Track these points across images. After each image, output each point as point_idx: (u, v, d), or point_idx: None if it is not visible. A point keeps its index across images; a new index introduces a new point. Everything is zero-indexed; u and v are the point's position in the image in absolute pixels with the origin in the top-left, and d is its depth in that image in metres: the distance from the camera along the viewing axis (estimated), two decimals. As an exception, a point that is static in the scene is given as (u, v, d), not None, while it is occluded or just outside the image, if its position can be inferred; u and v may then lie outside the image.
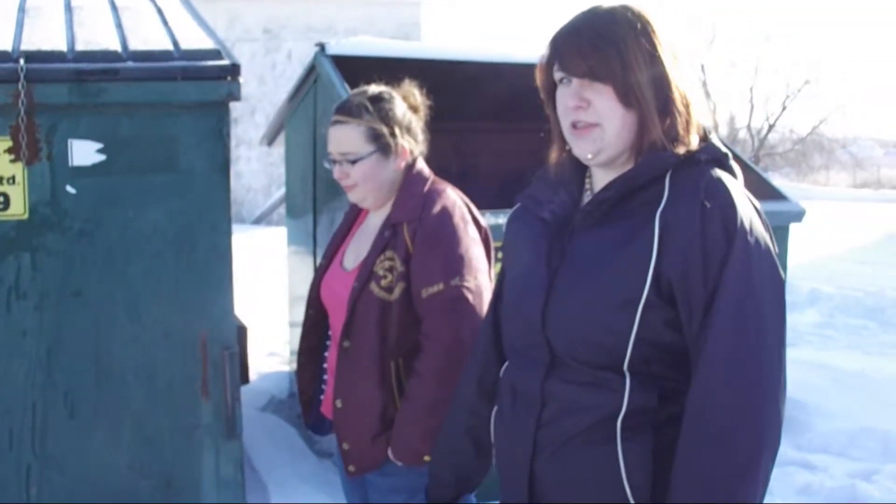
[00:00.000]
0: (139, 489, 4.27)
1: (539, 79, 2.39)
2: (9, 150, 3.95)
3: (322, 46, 6.12)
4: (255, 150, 21.87)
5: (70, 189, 4.01)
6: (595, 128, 2.24)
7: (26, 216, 4.00)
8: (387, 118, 3.36)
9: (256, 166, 22.62)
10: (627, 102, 2.21)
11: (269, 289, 11.41)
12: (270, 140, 8.63)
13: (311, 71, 6.38)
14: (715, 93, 37.61)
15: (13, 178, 3.97)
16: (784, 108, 36.72)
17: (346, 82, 5.61)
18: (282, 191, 15.46)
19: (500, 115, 7.72)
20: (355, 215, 3.65)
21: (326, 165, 3.48)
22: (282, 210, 17.50)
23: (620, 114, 2.22)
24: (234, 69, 4.05)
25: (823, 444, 6.65)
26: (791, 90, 36.59)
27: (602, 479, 2.26)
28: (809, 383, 7.29)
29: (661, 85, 2.22)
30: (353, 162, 3.33)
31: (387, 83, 3.50)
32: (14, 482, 4.15)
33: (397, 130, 3.37)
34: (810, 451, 6.55)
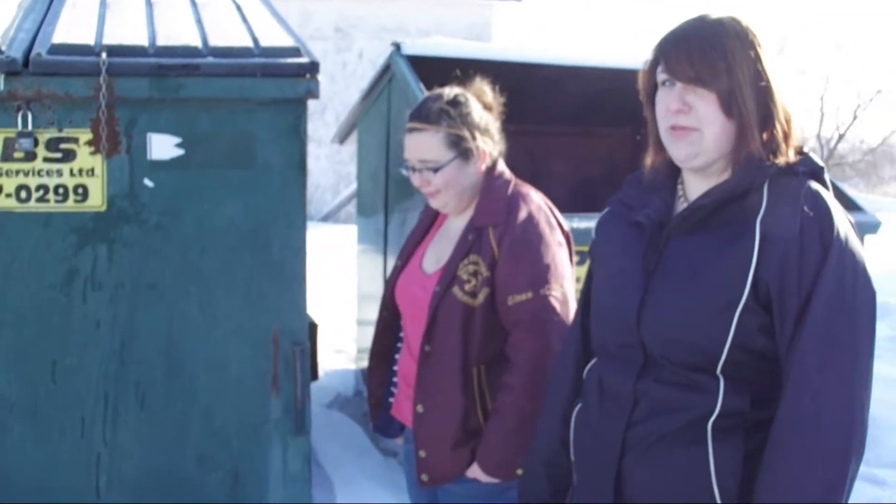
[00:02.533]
0: (206, 482, 4.30)
1: (641, 80, 2.41)
2: (89, 143, 4.00)
3: (398, 46, 6.12)
4: (324, 149, 21.95)
5: (148, 182, 4.06)
6: (693, 132, 2.25)
7: (104, 208, 4.05)
8: (465, 122, 3.29)
9: (325, 164, 22.70)
10: (729, 111, 2.23)
11: (335, 286, 11.44)
12: (342, 138, 8.66)
13: (386, 70, 6.38)
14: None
15: (92, 170, 4.02)
16: (855, 118, 36.18)
17: (421, 82, 5.61)
18: (350, 189, 15.51)
19: (574, 119, 7.69)
20: (433, 216, 3.59)
21: (403, 172, 3.41)
22: (349, 208, 17.54)
23: (721, 121, 2.24)
24: (313, 67, 4.07)
25: (893, 459, 6.55)
26: (862, 100, 36.04)
27: (691, 479, 2.27)
28: (880, 398, 7.15)
29: (764, 97, 2.25)
30: (435, 170, 3.29)
31: (458, 83, 3.46)
32: (84, 470, 4.20)
33: (476, 134, 3.29)
34: (879, 465, 6.44)
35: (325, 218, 20.34)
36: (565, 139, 7.96)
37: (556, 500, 2.76)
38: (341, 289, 10.93)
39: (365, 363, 7.02)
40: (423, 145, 3.29)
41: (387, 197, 6.56)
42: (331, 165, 22.94)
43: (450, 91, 3.38)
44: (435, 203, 3.37)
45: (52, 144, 3.98)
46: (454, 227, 3.40)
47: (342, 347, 9.12)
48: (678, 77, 2.26)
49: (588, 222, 4.86)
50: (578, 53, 7.08)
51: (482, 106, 3.39)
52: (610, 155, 7.88)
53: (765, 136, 2.26)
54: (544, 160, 7.75)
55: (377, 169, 6.88)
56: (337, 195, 21.70)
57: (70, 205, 4.02)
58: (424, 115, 3.30)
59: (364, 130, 7.58)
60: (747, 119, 2.23)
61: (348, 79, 22.07)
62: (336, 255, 13.89)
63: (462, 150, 3.26)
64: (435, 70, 5.52)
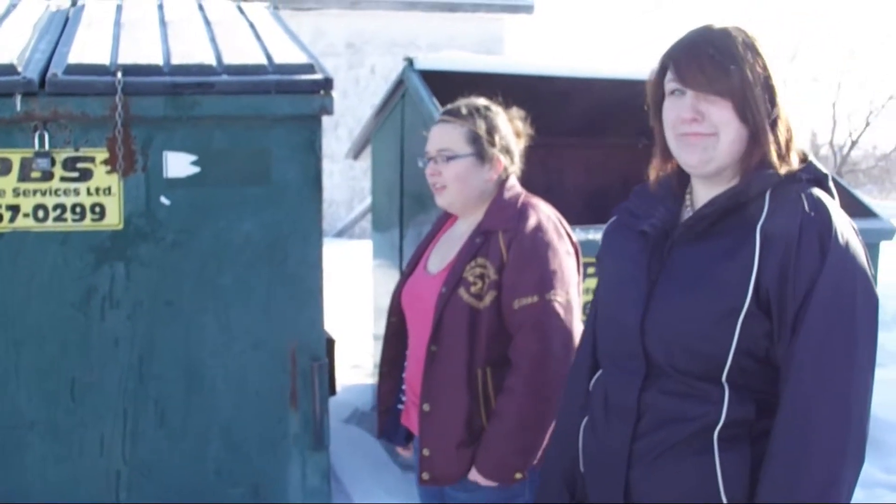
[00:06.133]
0: (226, 497, 4.31)
1: (648, 90, 2.43)
2: (105, 162, 4.03)
3: (410, 61, 6.13)
4: (337, 164, 21.95)
5: (164, 200, 4.08)
6: (709, 137, 2.27)
7: (121, 226, 4.07)
8: (490, 127, 3.41)
9: (339, 180, 22.71)
10: (744, 116, 2.25)
11: (351, 301, 11.45)
12: (356, 154, 8.68)
13: (399, 85, 6.40)
14: (796, 108, 36.68)
15: (109, 189, 4.04)
16: (867, 125, 35.99)
17: (434, 97, 5.63)
18: (364, 204, 15.53)
19: (587, 131, 7.71)
20: (440, 225, 3.67)
21: (420, 164, 3.51)
22: (363, 223, 17.56)
23: (736, 126, 2.27)
24: (328, 83, 4.09)
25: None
26: (875, 106, 35.86)
27: (699, 490, 2.29)
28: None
29: (771, 105, 2.25)
30: (449, 159, 3.36)
31: (495, 102, 3.56)
32: (104, 487, 4.22)
33: (497, 141, 3.40)
34: (899, 473, 6.43)
35: (340, 233, 20.37)
36: (578, 151, 7.98)
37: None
38: (356, 304, 10.93)
39: (382, 378, 7.03)
40: (445, 135, 3.42)
41: (402, 211, 6.58)
42: (344, 181, 22.96)
43: (484, 100, 3.49)
44: (441, 199, 3.45)
45: (68, 164, 4.01)
46: (459, 231, 3.49)
47: (358, 363, 9.12)
48: (690, 85, 2.28)
49: (598, 233, 4.88)
50: (590, 65, 7.09)
51: (511, 128, 3.48)
52: (623, 166, 7.88)
53: (772, 143, 2.28)
54: (558, 172, 7.77)
55: (392, 184, 6.90)
56: (351, 211, 21.72)
57: (87, 223, 4.04)
58: (455, 110, 3.46)
59: (378, 145, 7.60)
60: (760, 124, 2.26)
61: (361, 94, 22.10)
62: (351, 270, 13.89)
63: (480, 149, 3.37)
64: (448, 84, 5.54)
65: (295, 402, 4.26)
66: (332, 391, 4.39)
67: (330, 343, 4.36)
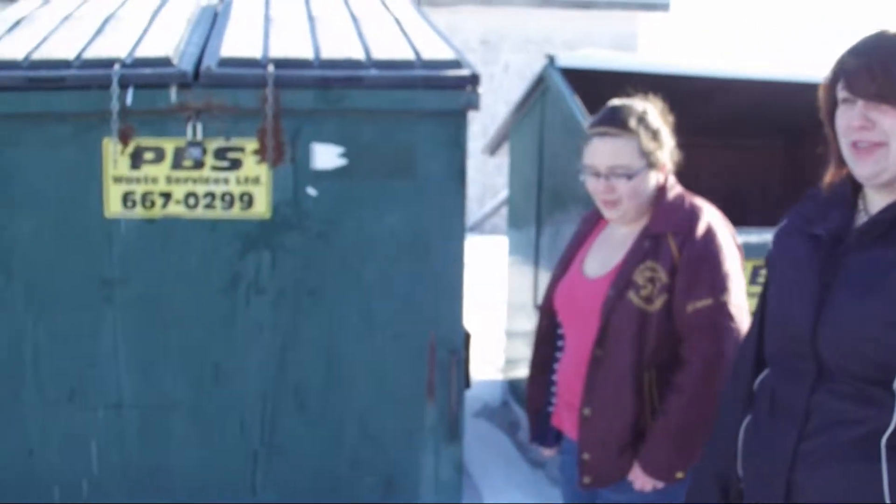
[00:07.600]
0: (360, 485, 4.39)
1: (821, 98, 2.39)
2: (255, 152, 4.13)
3: (552, 59, 6.14)
4: (470, 160, 21.98)
5: (311, 191, 4.16)
6: (880, 147, 2.23)
7: (269, 216, 4.16)
8: (656, 134, 3.32)
9: (471, 175, 22.68)
10: None
11: (482, 295, 11.48)
12: (493, 150, 8.70)
13: (539, 82, 6.41)
14: None
15: (258, 178, 4.14)
16: None
17: (575, 95, 5.63)
18: (496, 200, 15.52)
19: (724, 132, 7.61)
20: (591, 227, 3.62)
21: (582, 179, 3.43)
22: (494, 219, 17.57)
23: None
24: (474, 79, 4.14)
25: None
26: None
27: (863, 496, 2.24)
28: None
29: None
30: (629, 177, 3.28)
31: (638, 98, 3.48)
32: (241, 467, 4.34)
33: (664, 146, 3.36)
34: None
35: (472, 229, 20.41)
36: (715, 152, 7.87)
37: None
38: (488, 298, 10.96)
39: (513, 374, 7.04)
40: (618, 151, 3.28)
41: (539, 209, 6.58)
42: (477, 177, 22.98)
43: (639, 102, 3.40)
44: (612, 212, 3.35)
45: (219, 153, 4.12)
46: (618, 233, 3.40)
47: (489, 357, 9.16)
48: (859, 94, 2.23)
49: (739, 237, 4.83)
50: (731, 65, 6.99)
51: (663, 122, 3.41)
52: (761, 169, 7.78)
53: None
54: (693, 173, 7.68)
55: (529, 181, 6.90)
56: (482, 206, 21.79)
57: (236, 212, 4.15)
58: (621, 121, 3.31)
59: (516, 142, 7.61)
60: None
61: (495, 91, 22.09)
62: (482, 265, 13.93)
63: (651, 160, 3.29)
64: (587, 82, 5.53)
65: (432, 394, 4.30)
66: (468, 384, 4.42)
67: (467, 337, 4.39)
